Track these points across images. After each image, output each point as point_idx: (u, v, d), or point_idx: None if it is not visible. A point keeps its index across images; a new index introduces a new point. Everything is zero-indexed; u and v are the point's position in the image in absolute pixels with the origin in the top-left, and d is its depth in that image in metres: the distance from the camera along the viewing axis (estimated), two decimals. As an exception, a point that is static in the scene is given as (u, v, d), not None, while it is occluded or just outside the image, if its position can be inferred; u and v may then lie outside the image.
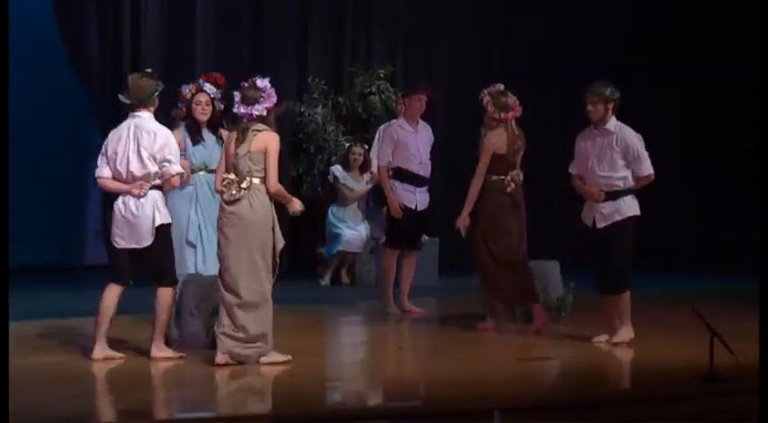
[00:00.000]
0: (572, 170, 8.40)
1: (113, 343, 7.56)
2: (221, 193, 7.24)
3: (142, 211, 7.34)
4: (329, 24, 13.53)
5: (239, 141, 7.21)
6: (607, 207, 8.18)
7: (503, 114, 9.00)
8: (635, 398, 6.73)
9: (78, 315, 9.11)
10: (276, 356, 7.29)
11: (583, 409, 6.34)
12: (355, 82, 13.14)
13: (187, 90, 8.50)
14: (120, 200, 7.37)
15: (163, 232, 7.43)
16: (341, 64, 13.55)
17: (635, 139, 8.21)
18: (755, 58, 11.89)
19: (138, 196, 7.32)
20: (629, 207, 8.21)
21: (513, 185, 9.00)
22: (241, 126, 7.27)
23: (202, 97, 8.39)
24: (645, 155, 8.21)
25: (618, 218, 8.17)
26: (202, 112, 8.37)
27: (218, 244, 7.29)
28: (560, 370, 7.72)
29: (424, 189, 9.81)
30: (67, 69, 11.85)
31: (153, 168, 7.33)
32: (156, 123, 7.48)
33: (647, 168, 8.21)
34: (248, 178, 7.16)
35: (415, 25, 14.11)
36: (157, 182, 7.40)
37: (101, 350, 7.40)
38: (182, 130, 8.42)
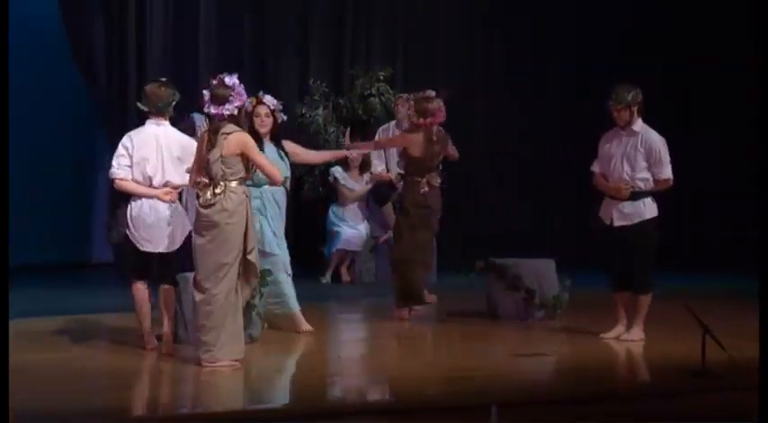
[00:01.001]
0: (595, 169, 8.42)
1: (113, 341, 7.58)
2: (197, 196, 7.15)
3: (175, 217, 7.49)
4: (329, 24, 13.52)
5: (211, 145, 7.04)
6: (627, 207, 8.21)
7: (421, 119, 9.23)
8: (632, 394, 6.76)
9: (78, 313, 9.14)
10: (222, 362, 7.04)
11: (579, 405, 6.36)
12: (356, 84, 13.15)
13: (248, 103, 8.45)
14: (144, 203, 7.47)
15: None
16: (341, 65, 13.54)
17: (659, 143, 8.24)
18: (755, 58, 11.89)
19: (171, 202, 7.47)
20: (649, 209, 8.24)
21: (426, 188, 9.25)
22: (212, 127, 7.10)
23: (261, 109, 8.38)
24: (667, 159, 8.23)
25: (637, 220, 8.20)
26: (262, 124, 8.36)
27: (194, 248, 7.16)
28: (557, 366, 7.75)
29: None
30: (68, 69, 11.86)
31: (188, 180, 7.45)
32: (184, 135, 7.70)
33: (667, 173, 8.24)
34: (222, 182, 7.01)
35: (415, 25, 14.10)
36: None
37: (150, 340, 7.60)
38: None
